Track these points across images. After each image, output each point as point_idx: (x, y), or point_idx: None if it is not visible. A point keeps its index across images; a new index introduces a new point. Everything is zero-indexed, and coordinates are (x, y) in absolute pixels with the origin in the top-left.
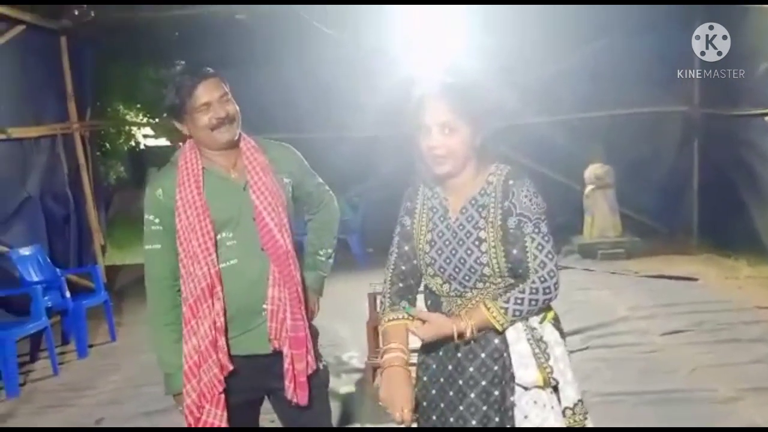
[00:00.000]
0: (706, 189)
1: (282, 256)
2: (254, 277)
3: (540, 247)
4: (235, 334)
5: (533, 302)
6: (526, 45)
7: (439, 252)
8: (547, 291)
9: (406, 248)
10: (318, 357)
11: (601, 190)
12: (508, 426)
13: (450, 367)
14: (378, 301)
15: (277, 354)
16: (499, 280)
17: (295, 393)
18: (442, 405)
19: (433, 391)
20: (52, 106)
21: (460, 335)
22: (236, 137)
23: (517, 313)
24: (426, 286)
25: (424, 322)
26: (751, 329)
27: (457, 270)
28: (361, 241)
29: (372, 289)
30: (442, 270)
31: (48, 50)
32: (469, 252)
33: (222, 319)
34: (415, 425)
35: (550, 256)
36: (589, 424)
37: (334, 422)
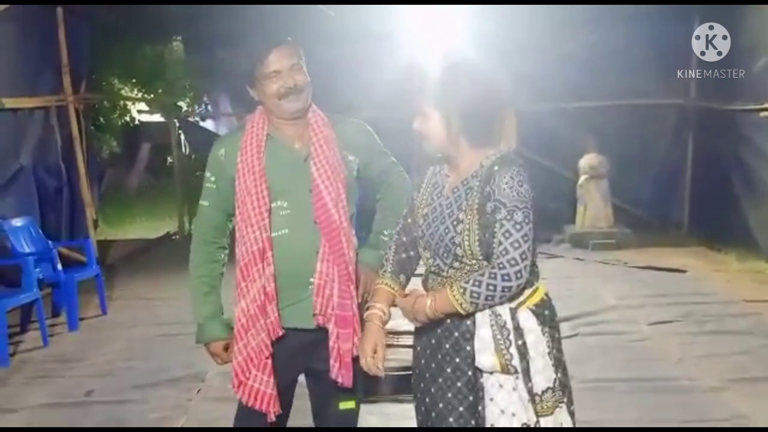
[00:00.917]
0: (699, 182)
1: (335, 231)
2: (304, 249)
3: (507, 234)
4: (282, 305)
5: (490, 287)
6: (525, 31)
7: (428, 226)
8: (506, 278)
9: (409, 220)
10: None
11: (595, 181)
12: (480, 407)
13: (433, 341)
14: (381, 265)
15: (322, 331)
16: (474, 262)
17: (340, 373)
18: (427, 375)
19: (422, 361)
20: (47, 78)
21: (419, 313)
22: (305, 107)
23: (475, 296)
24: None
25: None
26: (737, 321)
27: (437, 246)
28: (356, 224)
29: None
30: (428, 244)
31: (44, 22)
32: (447, 230)
33: (272, 284)
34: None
35: (516, 245)
36: (563, 412)
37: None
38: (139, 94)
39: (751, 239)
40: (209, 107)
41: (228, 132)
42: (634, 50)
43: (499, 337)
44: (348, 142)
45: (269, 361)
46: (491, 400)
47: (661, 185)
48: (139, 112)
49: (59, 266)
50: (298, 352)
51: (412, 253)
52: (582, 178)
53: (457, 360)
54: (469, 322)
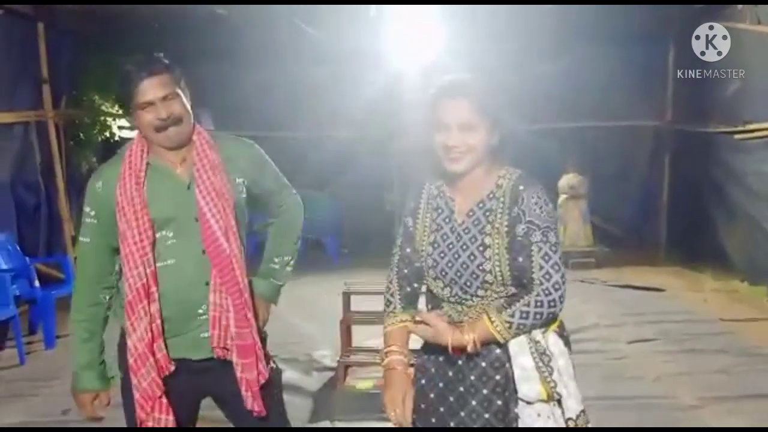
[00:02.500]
0: (676, 203)
1: (225, 260)
2: (191, 279)
3: (546, 257)
4: (168, 335)
5: (538, 315)
6: (504, 51)
7: (442, 255)
8: (552, 304)
9: (408, 250)
10: (268, 359)
11: (574, 200)
12: None
13: (450, 373)
14: (385, 301)
15: (210, 360)
16: (501, 288)
17: (253, 404)
18: (441, 409)
19: (432, 395)
20: (27, 93)
21: (461, 349)
22: (185, 137)
23: (521, 327)
24: (428, 288)
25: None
26: (714, 340)
27: (458, 275)
28: (337, 242)
29: (347, 289)
30: (443, 273)
31: (25, 36)
32: (472, 257)
33: (158, 321)
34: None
35: (556, 267)
36: None
37: (306, 420)
38: (120, 110)
39: (727, 258)
40: None
41: (107, 162)
42: (612, 72)
43: (541, 364)
44: (235, 164)
45: (163, 400)
46: None
47: (639, 205)
48: (120, 128)
49: (36, 283)
50: (190, 381)
51: (415, 285)
52: (561, 198)
53: (485, 391)
54: (499, 351)
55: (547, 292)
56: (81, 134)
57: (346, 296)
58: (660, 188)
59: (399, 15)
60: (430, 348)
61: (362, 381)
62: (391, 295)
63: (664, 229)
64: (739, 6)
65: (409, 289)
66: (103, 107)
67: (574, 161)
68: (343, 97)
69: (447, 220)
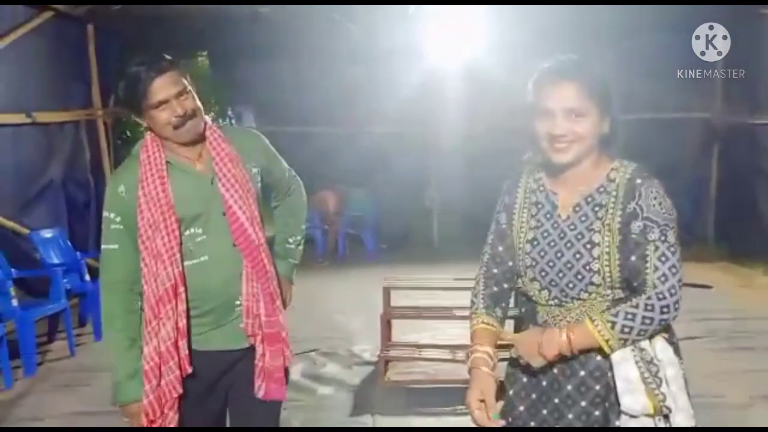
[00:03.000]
0: (724, 196)
1: (255, 250)
2: (227, 273)
3: (663, 258)
4: (206, 329)
5: (647, 320)
6: (549, 44)
7: (542, 253)
8: (665, 310)
9: (500, 249)
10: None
11: None
12: None
13: (545, 383)
14: (470, 300)
15: (245, 350)
16: (608, 291)
17: (269, 388)
18: (532, 423)
19: (521, 408)
20: (77, 93)
21: (554, 353)
22: (200, 130)
23: (627, 330)
24: (520, 291)
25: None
26: (764, 338)
27: (560, 275)
28: (375, 237)
29: (386, 284)
30: (543, 274)
31: (75, 38)
32: (578, 256)
33: (184, 321)
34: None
35: (674, 270)
36: None
37: (347, 414)
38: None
39: None
40: (233, 121)
41: (122, 166)
42: (660, 63)
43: (647, 375)
44: (249, 154)
45: (177, 401)
46: None
47: (687, 199)
48: None
49: (87, 277)
50: (223, 374)
51: (505, 285)
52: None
53: (583, 403)
54: (599, 359)
55: (661, 296)
56: (128, 132)
57: (387, 291)
58: (708, 181)
59: (437, 12)
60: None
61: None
62: (475, 295)
63: (712, 224)
64: None
65: (496, 288)
66: None
67: (621, 155)
68: (381, 94)
69: (548, 215)
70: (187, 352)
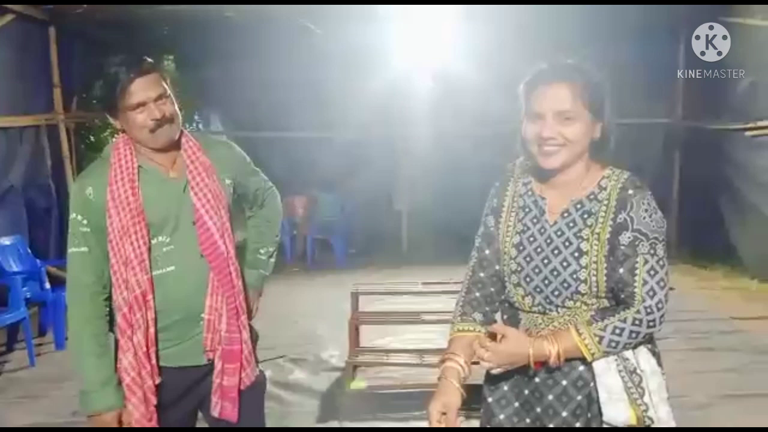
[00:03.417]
0: (686, 201)
1: (223, 262)
2: (193, 285)
3: (652, 272)
4: (169, 344)
5: (633, 335)
6: (512, 49)
7: (528, 259)
8: (651, 324)
9: (487, 252)
10: (255, 363)
11: None
12: None
13: (526, 392)
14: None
15: (210, 365)
16: (594, 300)
17: (224, 407)
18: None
19: (502, 416)
20: (39, 97)
21: (541, 362)
22: (175, 136)
23: (613, 345)
24: (505, 297)
25: (497, 338)
26: (725, 339)
27: (546, 282)
28: (344, 242)
29: (355, 289)
30: (528, 280)
31: (36, 40)
32: (565, 264)
33: (153, 329)
34: None
35: (662, 284)
36: None
37: (314, 420)
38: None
39: (738, 256)
40: (200, 125)
41: (90, 167)
42: (621, 69)
43: (630, 385)
44: (223, 165)
45: (155, 411)
46: None
47: None
48: None
49: (47, 285)
50: (189, 390)
51: (492, 289)
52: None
53: (564, 414)
54: (583, 368)
55: (649, 310)
56: (91, 137)
57: (355, 296)
58: (670, 186)
59: (407, 16)
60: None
61: (357, 381)
62: (456, 302)
63: (674, 227)
64: None
65: (478, 293)
66: None
67: None
68: (351, 98)
69: (535, 220)
70: (155, 362)
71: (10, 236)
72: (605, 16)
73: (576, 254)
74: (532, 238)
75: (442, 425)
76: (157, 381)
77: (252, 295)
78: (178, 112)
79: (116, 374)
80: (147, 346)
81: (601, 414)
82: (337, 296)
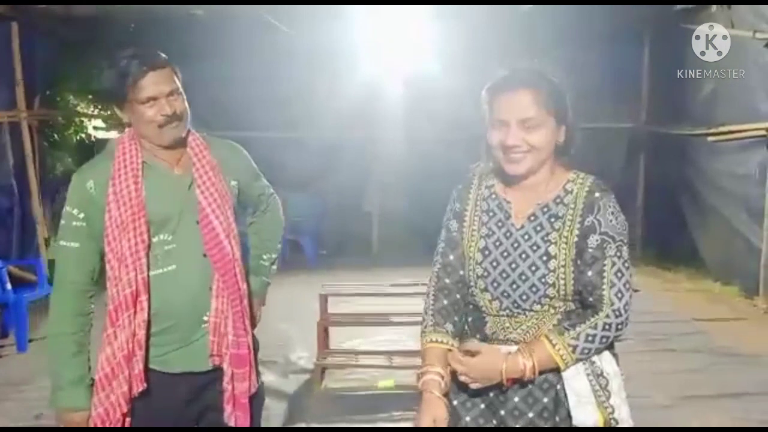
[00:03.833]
0: (651, 204)
1: (228, 264)
2: (195, 286)
3: (619, 274)
4: (170, 348)
5: (604, 339)
6: (479, 52)
7: (494, 263)
8: (620, 327)
9: (451, 257)
10: (258, 374)
11: None
12: None
13: (491, 394)
14: (422, 318)
15: (215, 371)
16: (561, 303)
17: (234, 414)
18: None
19: (468, 418)
20: (0, 94)
21: (515, 379)
22: (183, 135)
23: (586, 352)
24: (469, 300)
25: (469, 353)
26: (688, 340)
27: (514, 287)
28: (315, 243)
29: (324, 291)
30: (495, 285)
31: None
32: (533, 268)
33: (143, 332)
34: None
35: (627, 285)
36: None
37: (281, 423)
38: (96, 111)
39: (701, 259)
40: None
41: (93, 160)
42: (587, 74)
43: (597, 388)
44: (228, 166)
45: (126, 419)
46: None
47: None
48: (95, 128)
49: (9, 286)
50: (191, 399)
51: (458, 296)
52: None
53: (530, 415)
54: (549, 372)
55: (618, 313)
56: (56, 135)
57: (323, 298)
58: (635, 189)
59: (379, 16)
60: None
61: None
62: (425, 311)
63: (639, 230)
64: (714, 7)
65: (446, 301)
66: (79, 108)
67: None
68: (322, 98)
69: (500, 224)
70: (141, 368)
71: None
72: (573, 21)
73: (544, 258)
74: (498, 242)
75: None
76: (141, 388)
77: (255, 303)
78: (188, 109)
79: (90, 374)
80: (131, 350)
81: (570, 417)
82: (308, 297)
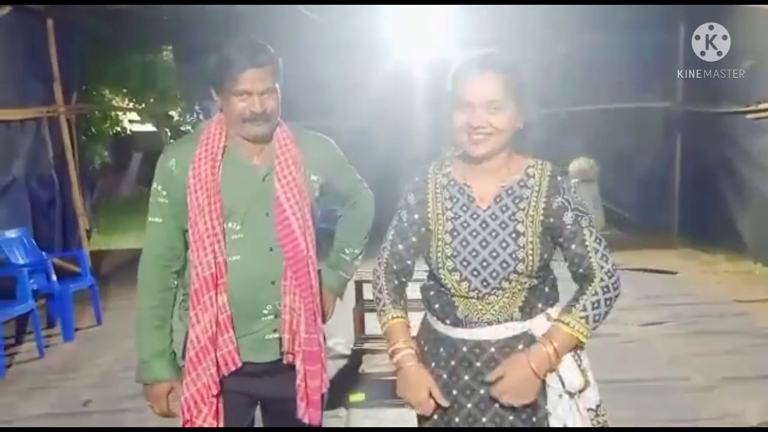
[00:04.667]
0: (687, 184)
1: (301, 260)
2: (257, 277)
3: (599, 240)
4: None
5: (608, 301)
6: (513, 36)
7: (464, 243)
8: (616, 286)
9: (400, 247)
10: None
11: (586, 184)
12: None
13: (467, 377)
14: (374, 298)
15: (274, 363)
16: (526, 280)
17: (308, 412)
18: (457, 420)
19: (454, 391)
20: (38, 89)
21: (543, 369)
22: (270, 133)
23: (597, 318)
24: (433, 286)
25: (498, 380)
26: (727, 321)
27: (484, 264)
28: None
29: (359, 277)
30: (465, 264)
31: (35, 33)
32: (504, 245)
33: (226, 314)
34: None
35: (607, 249)
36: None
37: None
38: (131, 104)
39: (740, 240)
40: (200, 116)
41: (178, 141)
42: (623, 55)
43: (572, 353)
44: (312, 161)
45: (216, 401)
46: (564, 425)
47: (651, 188)
48: (131, 122)
49: (54, 277)
50: (249, 385)
51: (404, 279)
52: (572, 182)
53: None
54: (521, 346)
55: (609, 274)
56: (92, 129)
57: (359, 285)
58: (672, 170)
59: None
60: (436, 355)
61: (356, 395)
62: (380, 291)
63: (676, 212)
64: None
65: (396, 282)
66: (114, 102)
67: (585, 145)
68: (354, 86)
69: (465, 207)
70: (232, 347)
71: (15, 229)
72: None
73: (513, 235)
74: (465, 224)
75: (432, 406)
76: (236, 365)
77: (327, 297)
78: (278, 110)
79: (172, 348)
80: (215, 332)
81: (544, 386)
82: None
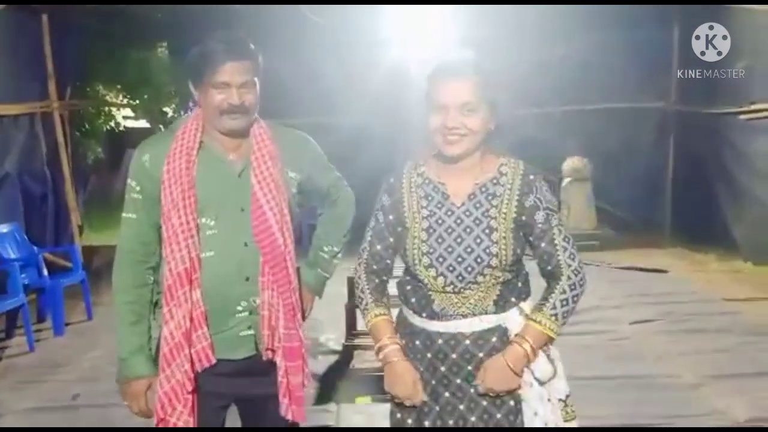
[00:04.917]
0: (679, 184)
1: (279, 256)
2: (231, 273)
3: (567, 239)
4: None
5: (575, 298)
6: (508, 36)
7: (440, 240)
8: (582, 282)
9: (379, 248)
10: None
11: (578, 183)
12: (518, 424)
13: (443, 369)
14: (356, 298)
15: (250, 359)
16: (500, 274)
17: (290, 409)
18: (437, 408)
19: (433, 381)
20: (32, 85)
21: (520, 365)
22: (246, 128)
23: (566, 314)
24: (409, 281)
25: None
26: (716, 320)
27: (459, 260)
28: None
29: (351, 274)
30: (441, 260)
31: (29, 29)
32: (478, 240)
33: (200, 309)
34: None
35: (575, 247)
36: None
37: (311, 403)
38: (125, 100)
39: (730, 239)
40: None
41: (153, 136)
42: (617, 55)
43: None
44: (290, 158)
45: (191, 398)
46: (535, 414)
47: (643, 187)
48: (125, 118)
49: (45, 272)
50: (222, 384)
51: (384, 278)
52: (566, 181)
53: (469, 367)
54: (494, 339)
55: (576, 272)
56: (86, 125)
57: (350, 281)
58: (664, 170)
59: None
60: (414, 353)
61: (363, 397)
62: (362, 291)
63: (668, 211)
64: None
65: (377, 281)
66: (108, 97)
67: (578, 144)
68: (353, 83)
69: (440, 205)
70: (206, 343)
71: (7, 223)
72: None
73: (487, 231)
74: (440, 221)
75: (421, 398)
76: (210, 362)
77: (306, 295)
78: (256, 104)
79: (150, 344)
80: (189, 329)
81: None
82: (335, 280)
